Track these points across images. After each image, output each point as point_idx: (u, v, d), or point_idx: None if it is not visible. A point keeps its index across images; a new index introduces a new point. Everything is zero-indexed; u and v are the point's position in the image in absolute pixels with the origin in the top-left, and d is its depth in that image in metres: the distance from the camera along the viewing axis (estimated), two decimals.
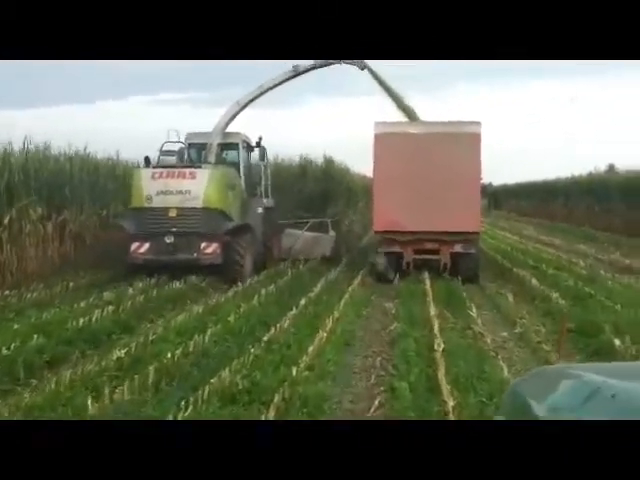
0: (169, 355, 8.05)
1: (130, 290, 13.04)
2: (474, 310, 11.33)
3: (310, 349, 8.38)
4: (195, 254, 14.41)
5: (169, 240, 14.38)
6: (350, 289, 13.52)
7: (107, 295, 12.35)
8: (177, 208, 14.44)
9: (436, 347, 8.47)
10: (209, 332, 9.40)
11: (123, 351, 8.38)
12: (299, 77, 17.19)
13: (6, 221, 14.35)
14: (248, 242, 15.28)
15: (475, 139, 15.30)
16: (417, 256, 15.45)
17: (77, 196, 17.00)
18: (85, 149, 18.24)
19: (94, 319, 10.16)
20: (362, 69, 17.18)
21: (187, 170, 14.83)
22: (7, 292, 12.85)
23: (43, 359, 8.26)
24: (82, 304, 11.53)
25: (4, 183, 14.63)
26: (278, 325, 9.83)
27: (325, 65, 17.12)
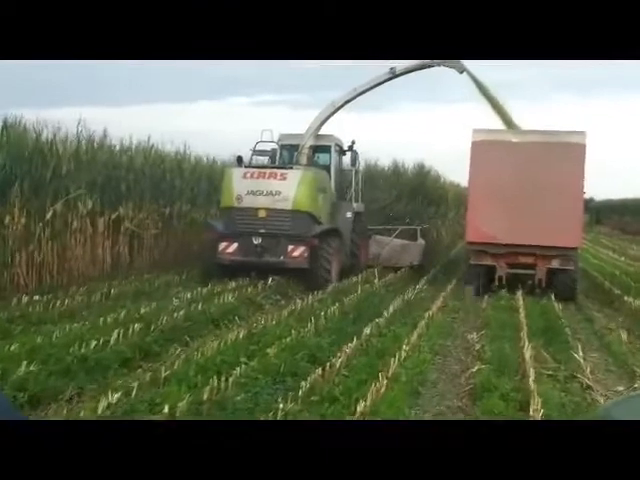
0: (166, 409, 5.99)
1: (174, 302, 11.73)
2: (580, 352, 9.18)
3: (360, 407, 6.19)
4: (282, 257, 14.46)
5: (257, 241, 14.49)
6: (428, 314, 11.69)
7: (143, 309, 10.81)
8: (266, 209, 14.55)
9: (532, 411, 6.37)
10: (238, 370, 7.52)
11: (116, 395, 6.39)
12: (395, 80, 17.05)
13: (49, 216, 13.28)
14: (336, 247, 15.23)
15: (579, 150, 14.86)
16: (511, 270, 15.06)
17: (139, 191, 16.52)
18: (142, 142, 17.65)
19: (111, 341, 8.50)
20: (461, 72, 16.82)
21: (278, 171, 14.93)
22: (37, 297, 11.41)
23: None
24: (110, 318, 9.86)
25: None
26: (328, 364, 7.79)
27: (423, 67, 16.90)
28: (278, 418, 5.94)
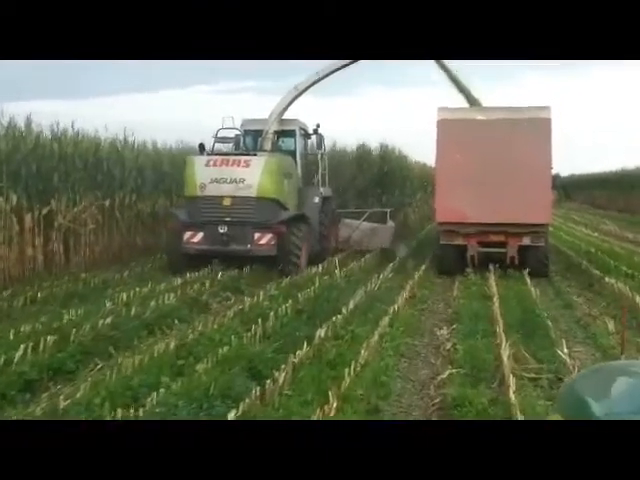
0: None
1: (107, 305, 10.56)
2: (564, 347, 8.26)
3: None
4: (249, 245, 14.40)
5: (223, 230, 14.41)
6: (393, 309, 10.55)
7: (66, 315, 9.60)
8: (231, 197, 14.44)
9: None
10: (155, 395, 6.27)
11: None
12: (357, 64, 16.95)
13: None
14: (304, 232, 15.17)
15: (545, 124, 14.90)
16: (482, 249, 15.09)
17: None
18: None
19: (16, 358, 7.35)
20: None
21: (241, 158, 14.80)
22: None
23: None
24: (26, 328, 8.71)
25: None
26: (270, 380, 6.63)
27: None
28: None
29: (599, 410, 2.19)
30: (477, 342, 8.61)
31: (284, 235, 14.38)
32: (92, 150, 16.35)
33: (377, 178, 22.88)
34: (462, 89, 17.23)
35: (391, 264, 15.79)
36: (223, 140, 16.23)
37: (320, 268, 15.11)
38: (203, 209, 14.53)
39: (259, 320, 9.18)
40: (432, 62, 17.19)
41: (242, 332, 8.84)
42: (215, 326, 9.29)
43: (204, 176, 14.59)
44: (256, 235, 14.33)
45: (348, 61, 16.56)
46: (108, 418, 5.55)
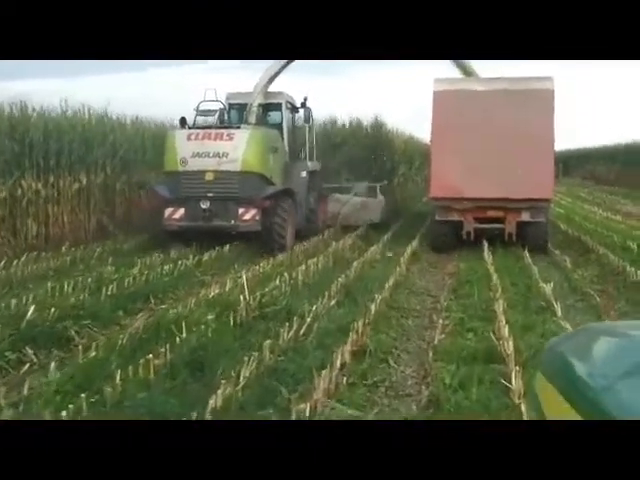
0: None
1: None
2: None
3: None
4: (233, 221, 14.38)
5: (205, 205, 14.37)
6: (375, 308, 8.73)
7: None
8: (214, 171, 14.38)
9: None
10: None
11: None
12: None
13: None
14: (290, 208, 15.17)
15: (548, 96, 14.82)
16: (479, 225, 15.03)
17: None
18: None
19: None
20: None
21: (225, 131, 14.74)
22: None
23: None
24: None
25: None
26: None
27: None
28: None
29: (582, 370, 2.24)
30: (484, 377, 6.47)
31: (269, 210, 14.39)
32: (40, 126, 15.89)
33: (367, 152, 22.85)
34: (459, 62, 17.03)
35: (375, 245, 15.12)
36: (205, 113, 16.08)
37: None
38: (184, 184, 14.48)
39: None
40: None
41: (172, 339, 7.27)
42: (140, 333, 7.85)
43: (185, 150, 14.54)
44: (240, 210, 14.30)
45: None
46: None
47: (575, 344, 2.65)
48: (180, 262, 12.17)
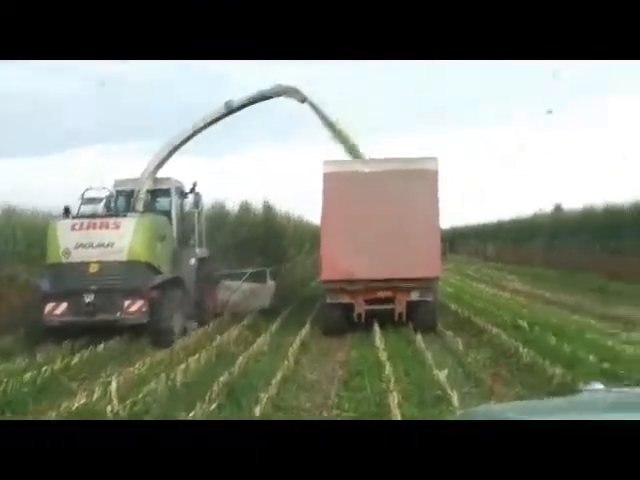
0: None
1: None
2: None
3: None
4: (118, 313, 13.90)
5: (89, 299, 13.87)
6: (259, 410, 8.29)
7: None
8: (98, 262, 14.00)
9: None
10: None
11: None
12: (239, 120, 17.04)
13: None
14: (178, 297, 14.89)
15: (432, 176, 15.27)
16: (369, 307, 15.12)
17: None
18: None
19: None
20: (302, 102, 17.08)
21: (111, 220, 14.47)
22: None
23: None
24: None
25: None
26: None
27: (261, 99, 16.99)
28: None
29: None
30: None
31: (157, 301, 14.03)
32: None
33: (258, 237, 22.86)
34: (344, 140, 17.42)
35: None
36: (91, 201, 15.77)
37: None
38: (67, 277, 14.01)
39: None
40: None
41: None
42: None
43: (68, 241, 14.13)
44: (126, 302, 13.88)
45: (223, 111, 16.63)
46: None
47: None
48: (45, 367, 11.05)
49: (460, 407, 7.98)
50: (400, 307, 15.02)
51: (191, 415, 7.76)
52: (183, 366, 10.88)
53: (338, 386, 10.23)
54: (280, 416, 8.45)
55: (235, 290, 18.79)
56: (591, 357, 10.62)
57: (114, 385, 9.28)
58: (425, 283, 14.92)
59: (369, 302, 15.11)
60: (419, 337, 13.42)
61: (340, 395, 9.63)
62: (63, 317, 13.91)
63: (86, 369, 11.59)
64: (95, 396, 9.10)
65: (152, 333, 13.97)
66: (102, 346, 12.96)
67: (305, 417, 8.64)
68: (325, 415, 8.56)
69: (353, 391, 9.78)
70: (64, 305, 13.90)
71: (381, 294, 15.05)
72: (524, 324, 14.34)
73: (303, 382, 10.67)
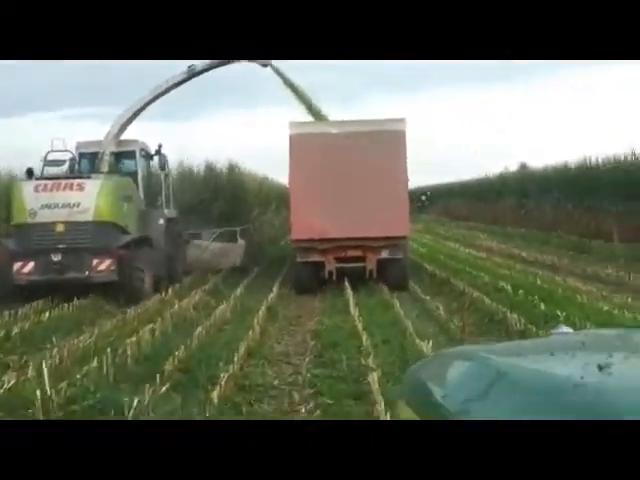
0: None
1: None
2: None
3: None
4: (87, 272, 14.01)
5: (56, 258, 13.95)
6: (218, 392, 7.29)
7: None
8: (64, 222, 14.05)
9: None
10: None
11: None
12: (199, 80, 17.01)
13: None
14: (147, 256, 14.99)
15: (399, 136, 15.37)
16: (340, 264, 15.32)
17: None
18: None
19: None
20: (264, 66, 17.29)
21: (75, 181, 14.50)
22: None
23: None
24: None
25: None
26: None
27: (222, 65, 16.99)
28: None
29: (438, 393, 2.37)
30: None
31: (125, 260, 14.13)
32: None
33: (226, 197, 22.94)
34: (307, 104, 17.58)
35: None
36: (54, 163, 15.77)
37: None
38: (34, 237, 14.08)
39: None
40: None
41: None
42: None
43: (33, 202, 14.17)
44: (94, 261, 13.99)
45: (185, 75, 16.68)
46: None
47: (432, 369, 2.76)
48: None
49: None
50: (371, 265, 15.26)
51: (136, 401, 6.72)
52: (134, 338, 9.76)
53: (310, 360, 9.36)
54: (245, 396, 7.61)
55: (205, 249, 19.01)
56: (589, 325, 9.16)
57: (44, 363, 8.04)
58: (394, 241, 15.12)
59: (340, 260, 15.33)
60: (396, 301, 12.93)
61: (313, 370, 8.75)
62: (31, 275, 14.01)
63: (27, 341, 10.64)
64: (29, 374, 8.00)
65: (122, 291, 14.09)
66: (47, 314, 12.21)
67: (273, 394, 7.80)
68: (296, 396, 7.66)
69: (327, 366, 8.85)
70: (31, 264, 13.99)
71: (351, 252, 15.27)
72: (507, 287, 13.66)
73: (270, 355, 9.77)
